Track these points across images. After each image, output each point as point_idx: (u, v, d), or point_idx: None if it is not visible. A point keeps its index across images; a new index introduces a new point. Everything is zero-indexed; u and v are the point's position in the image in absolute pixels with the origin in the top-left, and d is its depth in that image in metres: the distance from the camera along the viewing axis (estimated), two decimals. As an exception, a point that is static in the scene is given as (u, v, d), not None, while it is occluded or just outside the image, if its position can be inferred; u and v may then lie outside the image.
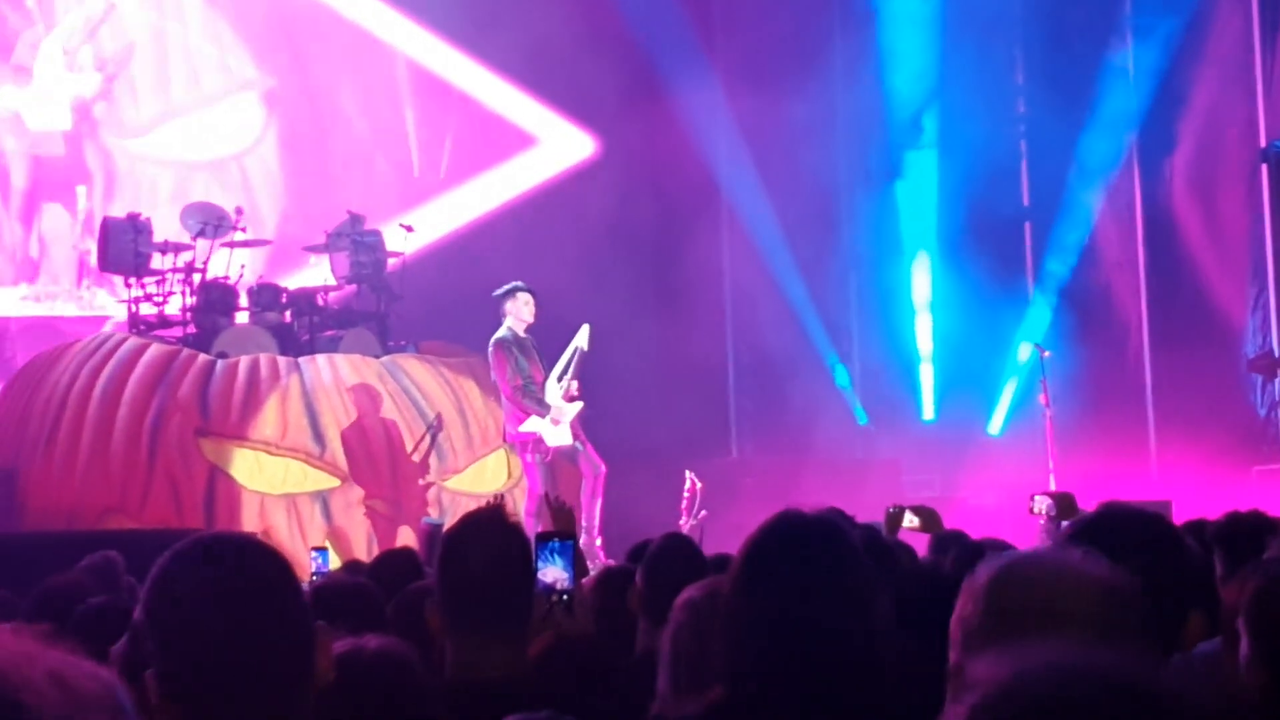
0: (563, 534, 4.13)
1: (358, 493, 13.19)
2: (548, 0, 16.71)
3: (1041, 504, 6.54)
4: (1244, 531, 5.05)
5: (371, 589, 4.86)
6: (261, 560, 2.45)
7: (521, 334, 12.57)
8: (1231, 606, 3.19)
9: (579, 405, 12.51)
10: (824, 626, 2.65)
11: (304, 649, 2.42)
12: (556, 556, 3.91)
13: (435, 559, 3.64)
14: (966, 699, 1.54)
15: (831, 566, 2.69)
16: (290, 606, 2.44)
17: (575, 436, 12.49)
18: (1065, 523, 6.32)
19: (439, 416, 13.68)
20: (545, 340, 12.76)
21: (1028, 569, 2.33)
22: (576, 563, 4.11)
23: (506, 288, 12.68)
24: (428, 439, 13.58)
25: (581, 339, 12.55)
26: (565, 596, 3.84)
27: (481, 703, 3.10)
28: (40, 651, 1.49)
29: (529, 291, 12.67)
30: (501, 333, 12.52)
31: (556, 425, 12.37)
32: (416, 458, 13.54)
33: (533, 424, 12.41)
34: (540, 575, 3.79)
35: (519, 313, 12.54)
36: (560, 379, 12.46)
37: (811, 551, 2.70)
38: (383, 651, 3.35)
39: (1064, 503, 6.54)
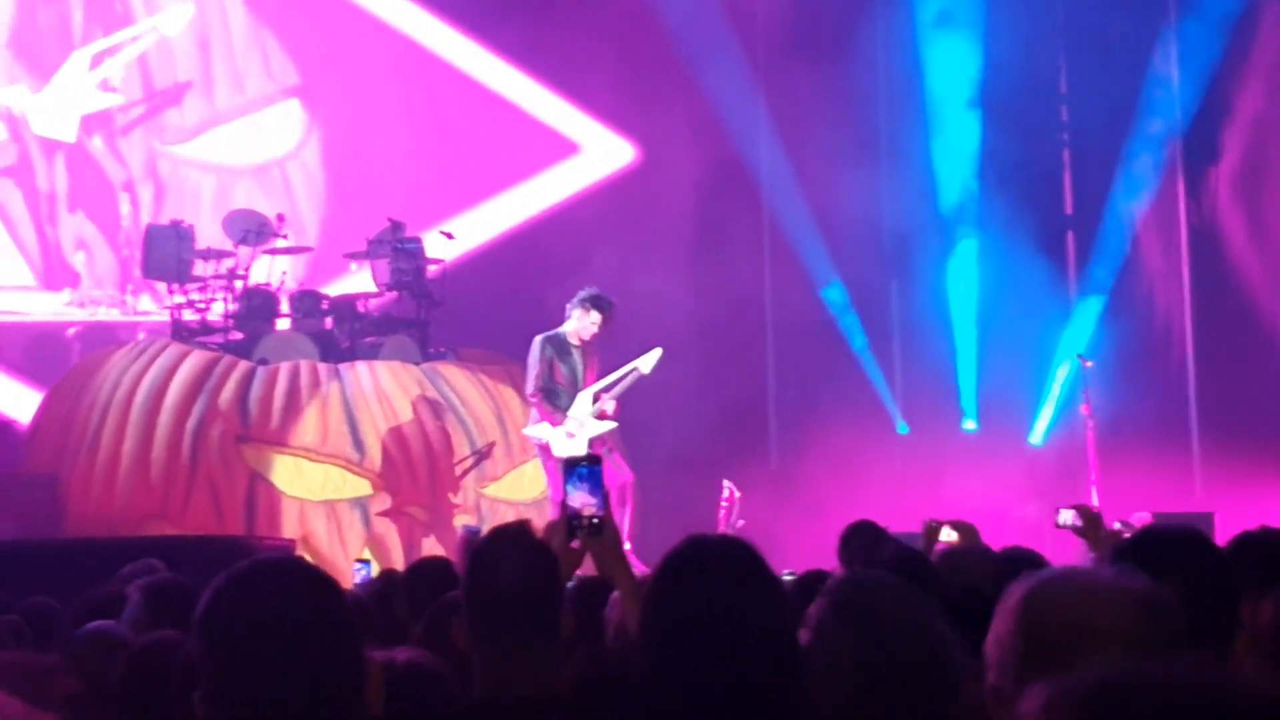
0: (591, 457, 4.06)
1: (396, 499, 13.21)
2: (590, 8, 16.72)
3: (1067, 516, 6.48)
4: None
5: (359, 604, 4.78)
6: (313, 589, 2.44)
7: (573, 341, 12.00)
8: (1258, 627, 3.16)
9: (609, 425, 11.98)
10: (728, 630, 2.94)
11: (352, 680, 2.41)
12: (584, 481, 3.83)
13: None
14: None
15: (732, 579, 3.02)
16: (340, 638, 2.42)
17: (599, 448, 11.76)
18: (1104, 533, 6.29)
19: (491, 445, 13.59)
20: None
21: (1061, 586, 2.29)
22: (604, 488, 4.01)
23: (587, 295, 12.00)
24: (470, 460, 13.52)
25: (645, 363, 11.92)
26: (595, 520, 3.76)
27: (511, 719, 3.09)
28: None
29: (605, 312, 11.97)
30: (551, 332, 12.03)
31: (570, 439, 11.79)
32: (458, 470, 13.50)
33: (541, 430, 11.97)
34: (569, 500, 3.76)
35: (580, 327, 11.96)
36: (599, 394, 11.93)
37: (712, 565, 3.05)
38: (413, 664, 3.34)
39: (1089, 517, 6.46)
